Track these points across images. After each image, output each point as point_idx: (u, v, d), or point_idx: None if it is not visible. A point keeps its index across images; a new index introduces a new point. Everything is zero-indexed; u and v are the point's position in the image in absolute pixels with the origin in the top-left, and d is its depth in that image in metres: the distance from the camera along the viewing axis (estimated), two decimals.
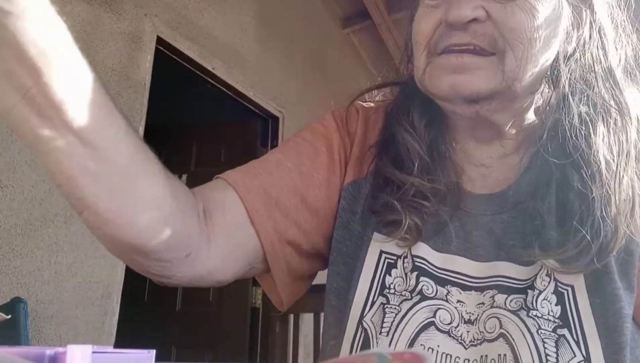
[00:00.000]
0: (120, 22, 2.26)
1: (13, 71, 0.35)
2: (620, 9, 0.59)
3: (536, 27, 0.51)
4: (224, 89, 2.86)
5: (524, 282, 0.54)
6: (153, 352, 0.35)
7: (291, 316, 1.39)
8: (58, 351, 0.30)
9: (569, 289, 0.52)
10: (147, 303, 3.03)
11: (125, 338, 1.93)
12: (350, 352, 0.55)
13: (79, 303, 1.93)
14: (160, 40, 2.44)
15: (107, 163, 0.43)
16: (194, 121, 3.39)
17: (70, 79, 0.37)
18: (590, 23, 0.57)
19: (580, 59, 0.56)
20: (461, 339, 0.53)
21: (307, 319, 1.45)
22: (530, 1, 0.51)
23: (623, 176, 0.52)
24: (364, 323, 0.56)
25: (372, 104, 0.71)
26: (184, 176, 3.23)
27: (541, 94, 0.59)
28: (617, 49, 0.58)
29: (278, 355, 1.44)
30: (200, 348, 2.73)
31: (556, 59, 0.56)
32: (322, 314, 1.45)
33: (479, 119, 0.57)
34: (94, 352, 0.30)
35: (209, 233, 0.54)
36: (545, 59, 0.54)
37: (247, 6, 3.08)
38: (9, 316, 1.52)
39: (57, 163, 0.40)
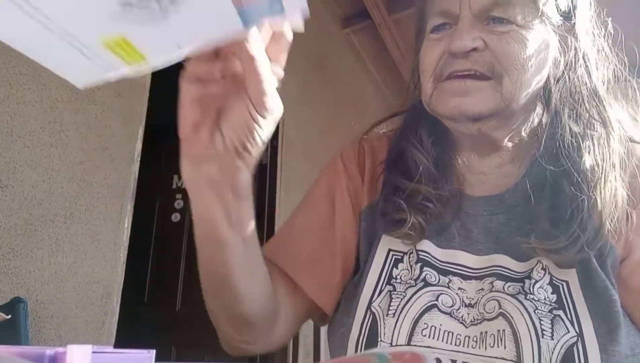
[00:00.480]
0: None
1: (227, 200, 0.50)
2: (601, 36, 0.67)
3: (528, 55, 0.60)
4: None
5: (521, 273, 0.60)
6: (153, 352, 0.35)
7: None
8: (58, 351, 0.30)
9: (564, 283, 0.58)
10: (147, 303, 3.04)
11: (125, 338, 1.94)
12: (359, 334, 0.61)
13: (79, 303, 1.93)
14: None
15: (251, 255, 0.57)
16: None
17: (250, 204, 0.53)
18: (575, 49, 0.65)
19: (567, 81, 0.65)
20: (462, 320, 0.59)
21: None
22: (522, 32, 0.60)
23: (607, 182, 0.59)
24: (372, 308, 0.62)
25: (374, 136, 0.81)
26: None
27: (535, 112, 0.67)
28: (598, 70, 0.66)
29: (278, 355, 1.44)
30: (200, 348, 2.73)
31: (547, 81, 0.64)
32: None
33: (480, 135, 0.65)
34: (94, 352, 0.31)
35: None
36: (537, 82, 0.62)
37: None
38: (9, 317, 1.52)
39: (226, 256, 0.53)
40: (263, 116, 0.46)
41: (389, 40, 3.80)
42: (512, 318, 0.56)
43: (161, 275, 3.07)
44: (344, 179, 0.75)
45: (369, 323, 0.61)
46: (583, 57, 0.65)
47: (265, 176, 3.16)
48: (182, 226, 3.16)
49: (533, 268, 0.59)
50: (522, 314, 0.56)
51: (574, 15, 0.65)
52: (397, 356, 0.29)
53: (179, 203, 3.21)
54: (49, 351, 0.30)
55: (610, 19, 0.68)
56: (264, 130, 0.47)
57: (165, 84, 2.83)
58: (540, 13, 0.61)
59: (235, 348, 0.65)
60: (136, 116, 2.27)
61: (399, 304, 0.61)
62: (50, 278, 1.84)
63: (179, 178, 3.24)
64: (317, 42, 3.76)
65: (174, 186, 3.23)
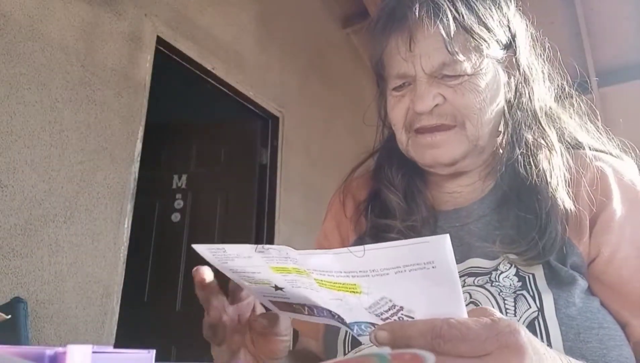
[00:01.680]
0: (120, 22, 2.26)
1: None
2: (540, 57, 0.76)
3: (482, 98, 0.68)
4: (224, 89, 2.86)
5: (489, 269, 0.65)
6: (153, 352, 0.35)
7: None
8: (58, 351, 0.30)
9: (530, 275, 0.62)
10: (147, 303, 3.03)
11: (125, 338, 1.93)
12: (345, 334, 0.66)
13: (79, 303, 1.93)
14: (160, 41, 2.44)
15: None
16: (193, 121, 3.39)
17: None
18: (519, 74, 0.73)
19: (517, 103, 0.73)
20: None
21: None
22: (473, 80, 0.68)
23: (557, 192, 0.65)
24: None
25: (355, 178, 0.91)
26: (184, 176, 3.23)
27: (499, 134, 0.74)
28: (540, 91, 0.74)
29: None
30: (200, 348, 2.73)
31: (503, 106, 0.72)
32: None
33: (455, 172, 0.75)
34: (94, 352, 0.31)
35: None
36: (494, 111, 0.71)
37: (247, 6, 3.08)
38: (9, 317, 1.52)
39: None
40: None
41: None
42: (480, 303, 0.61)
43: (161, 275, 3.07)
44: (333, 225, 0.86)
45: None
46: (525, 82, 0.73)
47: (265, 176, 3.16)
48: (182, 226, 3.16)
49: (500, 262, 0.65)
50: (488, 298, 0.61)
51: (514, 44, 0.73)
52: (397, 356, 0.29)
53: (179, 203, 3.20)
54: (49, 351, 0.30)
55: (547, 38, 0.77)
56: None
57: (165, 84, 2.83)
58: (485, 56, 0.68)
59: None
60: (136, 116, 2.27)
61: None
62: (50, 278, 1.84)
63: (179, 178, 3.24)
64: (317, 42, 3.76)
65: (174, 186, 3.23)
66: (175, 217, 3.19)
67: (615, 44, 3.78)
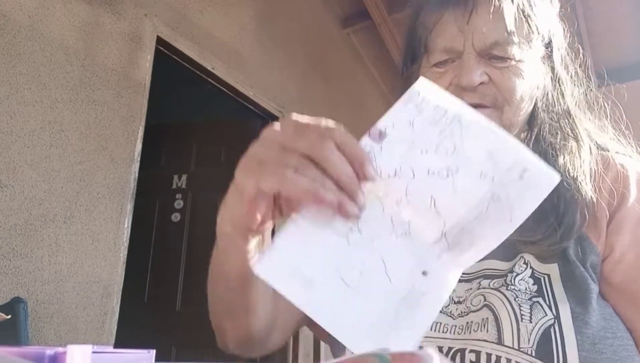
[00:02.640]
0: (120, 22, 2.26)
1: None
2: (573, 60, 0.77)
3: (525, 86, 0.68)
4: (224, 89, 2.86)
5: (505, 270, 0.65)
6: (153, 352, 0.35)
7: None
8: (58, 351, 0.30)
9: (546, 276, 0.63)
10: (147, 303, 3.04)
11: (125, 338, 1.93)
12: None
13: (79, 303, 1.93)
14: (160, 40, 2.44)
15: None
16: (194, 121, 3.39)
17: None
18: (552, 73, 0.74)
19: (547, 101, 0.73)
20: (450, 314, 0.65)
21: None
22: (519, 66, 0.68)
23: (580, 186, 0.66)
24: None
25: None
26: (184, 176, 3.23)
27: (522, 130, 0.75)
28: (570, 91, 0.75)
29: (278, 355, 1.45)
30: (200, 348, 2.73)
31: (535, 104, 0.73)
32: None
33: None
34: (94, 352, 0.31)
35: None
36: (529, 106, 0.71)
37: (247, 6, 3.08)
38: (9, 317, 1.52)
39: (243, 269, 0.53)
40: None
41: (388, 40, 3.80)
42: (495, 307, 0.61)
43: (161, 275, 3.07)
44: None
45: None
46: (558, 80, 0.74)
47: None
48: (182, 226, 3.16)
49: (515, 264, 0.65)
50: (503, 302, 0.61)
51: (552, 44, 0.74)
52: (397, 357, 0.29)
53: (179, 203, 3.20)
54: (49, 351, 0.30)
55: (577, 41, 0.79)
56: None
57: (165, 84, 2.83)
58: (531, 47, 0.69)
59: (229, 349, 0.68)
60: (136, 116, 2.27)
61: None
62: (50, 278, 1.84)
63: (179, 178, 3.24)
64: (317, 42, 3.76)
65: (174, 186, 3.23)
66: (175, 217, 3.20)
67: (615, 44, 3.78)
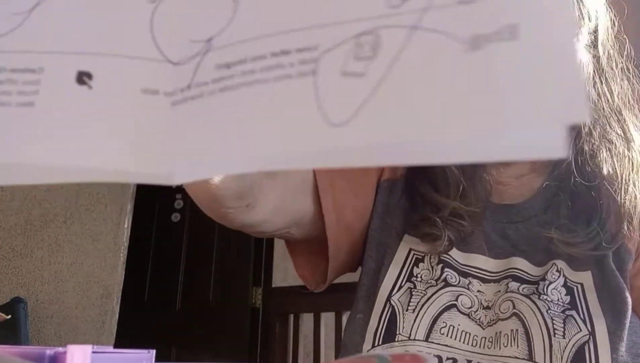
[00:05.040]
0: None
1: None
2: (618, 52, 0.71)
3: None
4: None
5: (536, 277, 0.62)
6: (153, 352, 0.35)
7: (291, 317, 1.39)
8: (58, 351, 0.30)
9: (579, 286, 0.59)
10: (147, 303, 3.04)
11: (125, 338, 1.94)
12: (377, 325, 0.62)
13: (79, 303, 1.93)
14: None
15: None
16: None
17: None
18: (597, 65, 0.67)
19: (597, 92, 0.67)
20: (480, 321, 0.61)
21: (307, 319, 1.45)
22: None
23: (628, 189, 0.61)
24: (392, 301, 0.64)
25: None
26: None
27: None
28: (618, 85, 0.69)
29: (278, 355, 1.45)
30: (200, 349, 2.73)
31: None
32: (321, 314, 1.45)
33: None
34: (94, 352, 0.31)
35: (269, 187, 0.61)
36: None
37: None
38: (9, 317, 1.52)
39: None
40: None
41: None
42: (525, 317, 0.58)
43: (161, 275, 3.07)
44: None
45: (387, 316, 0.63)
46: (604, 73, 0.68)
47: None
48: (182, 226, 3.16)
49: (548, 271, 0.61)
50: (534, 314, 0.58)
51: (598, 31, 0.68)
52: (397, 358, 0.29)
53: (179, 203, 3.20)
54: (49, 351, 0.30)
55: (622, 32, 0.72)
56: None
57: None
58: (578, 33, 0.64)
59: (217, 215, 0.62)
60: None
61: (419, 301, 0.63)
62: (50, 278, 1.84)
63: None
64: None
65: (174, 186, 3.22)
66: (175, 217, 3.19)
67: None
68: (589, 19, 0.66)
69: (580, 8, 0.63)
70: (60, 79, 0.26)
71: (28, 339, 1.63)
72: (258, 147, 0.24)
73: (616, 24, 0.71)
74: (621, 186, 0.62)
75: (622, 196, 0.61)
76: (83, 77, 0.26)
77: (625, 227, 0.60)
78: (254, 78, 0.24)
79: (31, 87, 0.25)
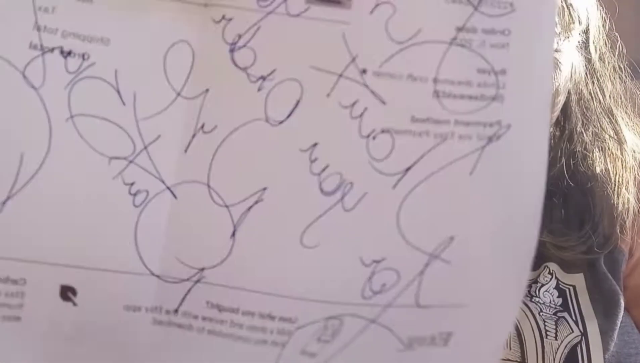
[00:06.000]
0: None
1: None
2: (609, 51, 0.70)
3: (561, 79, 0.61)
4: None
5: (530, 280, 0.60)
6: None
7: None
8: None
9: (571, 288, 0.59)
10: None
11: None
12: None
13: None
14: None
15: None
16: None
17: None
18: (588, 64, 0.67)
19: (582, 95, 0.67)
20: None
21: None
22: (556, 56, 0.60)
23: (620, 191, 0.61)
24: None
25: None
26: None
27: (557, 128, 0.69)
28: (609, 85, 0.68)
29: None
30: None
31: (569, 97, 0.66)
32: None
33: None
34: None
35: None
36: (563, 100, 0.64)
37: None
38: None
39: None
40: None
41: None
42: (518, 320, 0.57)
43: None
44: None
45: None
46: (595, 73, 0.67)
47: None
48: None
49: (540, 273, 0.61)
50: (527, 316, 0.58)
51: (589, 31, 0.68)
52: None
53: None
54: None
55: (617, 33, 0.72)
56: None
57: None
58: (569, 36, 0.63)
59: None
60: None
61: None
62: None
63: None
64: None
65: None
66: None
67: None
68: (579, 22, 0.66)
69: (570, 13, 0.63)
70: (44, 293, 0.25)
71: None
72: None
73: (607, 22, 0.70)
74: (614, 189, 0.61)
75: (615, 199, 0.61)
76: (67, 293, 0.26)
77: (618, 230, 0.60)
78: (240, 334, 0.25)
79: (15, 300, 0.25)
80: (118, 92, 0.25)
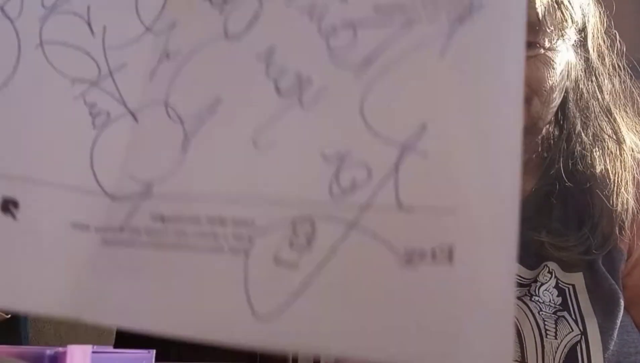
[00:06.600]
0: None
1: None
2: (609, 49, 0.70)
3: (555, 77, 0.62)
4: None
5: (528, 279, 0.61)
6: (153, 352, 0.35)
7: None
8: (58, 351, 0.30)
9: (570, 287, 0.59)
10: None
11: (125, 338, 1.93)
12: None
13: None
14: None
15: None
16: None
17: None
18: (587, 63, 0.67)
19: (581, 94, 0.67)
20: None
21: None
22: (549, 55, 0.62)
23: (619, 191, 0.61)
24: None
25: None
26: None
27: (550, 125, 0.69)
28: (608, 84, 0.69)
29: (278, 355, 1.45)
30: (200, 349, 2.73)
31: (566, 96, 0.67)
32: None
33: None
34: (94, 352, 0.31)
35: None
36: (560, 97, 0.65)
37: None
38: (9, 316, 1.52)
39: None
40: None
41: None
42: (518, 319, 0.58)
43: None
44: None
45: None
46: (594, 71, 0.68)
47: None
48: None
49: (539, 273, 0.61)
50: (526, 315, 0.58)
51: (586, 30, 0.67)
52: None
53: None
54: (49, 351, 0.30)
55: (616, 32, 0.71)
56: None
57: None
58: (563, 35, 0.63)
59: None
60: None
61: None
62: None
63: None
64: None
65: None
66: None
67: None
68: (573, 20, 0.65)
69: (562, 11, 0.63)
70: None
71: (28, 339, 1.63)
72: (178, 321, 0.24)
73: (605, 19, 0.70)
74: (613, 189, 0.61)
75: (614, 199, 0.61)
76: (8, 205, 0.25)
77: (617, 230, 0.60)
78: (186, 242, 0.24)
79: None
80: (89, 24, 0.27)
